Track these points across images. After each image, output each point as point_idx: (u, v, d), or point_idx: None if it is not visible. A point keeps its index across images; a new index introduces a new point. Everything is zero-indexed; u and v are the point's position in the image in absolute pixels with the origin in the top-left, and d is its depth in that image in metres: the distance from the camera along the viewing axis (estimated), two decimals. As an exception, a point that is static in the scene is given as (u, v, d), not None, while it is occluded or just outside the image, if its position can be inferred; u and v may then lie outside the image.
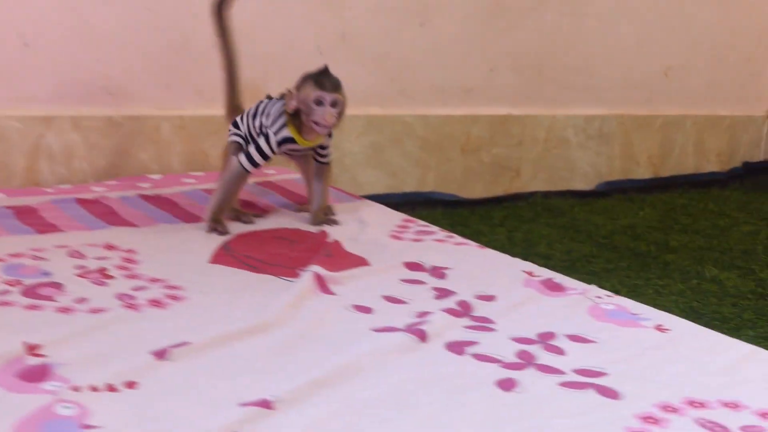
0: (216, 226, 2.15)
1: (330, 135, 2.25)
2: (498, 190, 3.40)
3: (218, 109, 2.55)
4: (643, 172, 3.80)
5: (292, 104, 2.14)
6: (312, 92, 2.11)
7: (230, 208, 2.24)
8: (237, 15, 2.29)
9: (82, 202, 2.30)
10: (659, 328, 1.69)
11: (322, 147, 2.27)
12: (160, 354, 1.43)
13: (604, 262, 2.73)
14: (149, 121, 2.66)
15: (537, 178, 3.49)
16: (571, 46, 3.47)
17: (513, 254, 2.19)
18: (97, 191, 2.42)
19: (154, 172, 2.66)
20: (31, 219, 2.15)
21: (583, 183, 3.62)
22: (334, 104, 2.11)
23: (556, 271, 2.01)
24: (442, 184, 3.25)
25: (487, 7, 3.22)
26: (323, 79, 2.12)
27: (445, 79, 3.21)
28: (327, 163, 2.31)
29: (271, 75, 2.64)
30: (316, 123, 2.12)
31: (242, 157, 2.18)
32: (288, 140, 2.18)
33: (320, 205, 2.31)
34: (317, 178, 2.31)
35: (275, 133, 2.17)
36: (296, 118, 2.16)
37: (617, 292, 1.96)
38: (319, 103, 2.11)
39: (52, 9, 2.50)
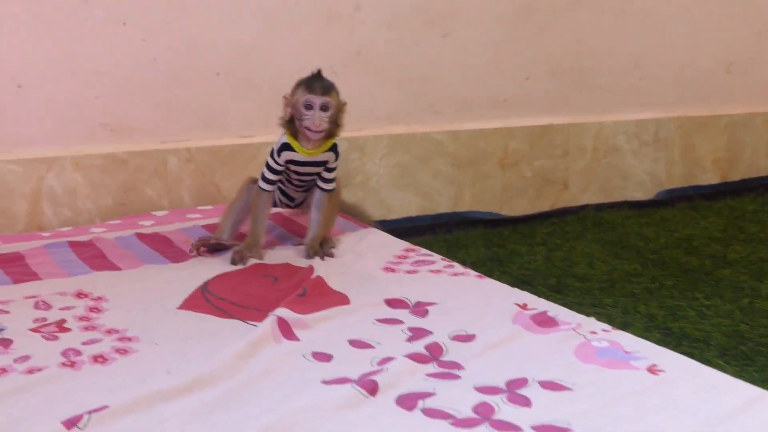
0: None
1: (335, 154, 2.15)
2: (544, 205, 3.19)
3: (227, 139, 2.47)
4: (709, 177, 3.51)
5: (287, 111, 2.10)
6: (302, 96, 2.06)
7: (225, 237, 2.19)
8: (244, 38, 2.19)
9: (75, 245, 2.22)
10: (652, 369, 1.48)
11: (327, 170, 2.17)
12: (72, 422, 1.31)
13: (647, 281, 2.49)
14: (154, 156, 2.56)
15: (588, 190, 3.25)
16: (613, 46, 3.22)
17: (548, 275, 2.01)
18: (94, 232, 2.34)
19: (163, 209, 2.56)
20: (13, 267, 2.07)
21: (640, 192, 3.36)
22: (324, 108, 2.06)
23: (591, 294, 1.82)
24: (480, 202, 3.06)
25: (515, 10, 3.01)
26: (313, 82, 2.08)
27: (474, 91, 3.02)
28: (329, 191, 2.19)
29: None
30: (308, 128, 2.06)
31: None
32: (286, 147, 2.11)
33: (315, 236, 2.18)
34: (316, 206, 2.20)
35: (276, 144, 2.13)
36: (293, 125, 2.11)
37: (654, 317, 1.75)
38: (308, 107, 2.06)
39: (43, 48, 2.43)
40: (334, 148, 2.14)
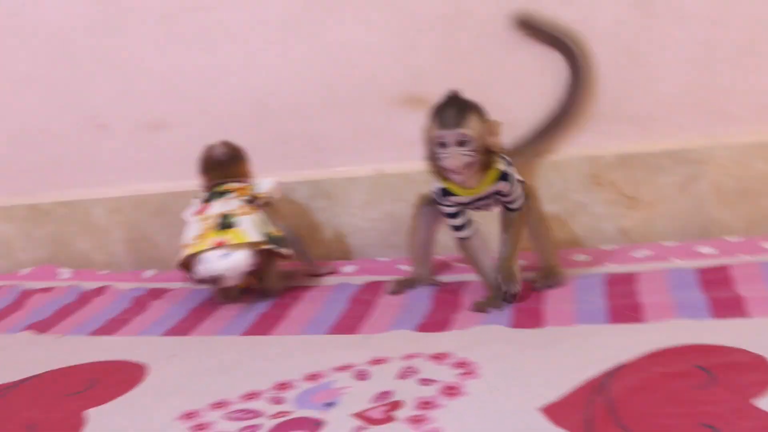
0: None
1: (508, 182, 1.71)
2: None
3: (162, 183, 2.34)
4: None
5: (428, 148, 1.68)
6: (433, 132, 1.64)
7: None
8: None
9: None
10: None
11: (504, 195, 1.73)
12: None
13: None
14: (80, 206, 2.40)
15: None
16: None
17: None
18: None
19: (99, 264, 2.41)
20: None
21: None
22: (461, 143, 1.64)
23: None
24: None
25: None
26: (444, 112, 1.63)
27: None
28: (516, 209, 1.75)
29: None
30: (446, 170, 1.66)
31: None
32: (446, 192, 1.72)
33: (504, 257, 1.75)
34: (503, 226, 1.76)
35: (435, 191, 1.75)
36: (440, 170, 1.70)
37: None
38: (442, 144, 1.65)
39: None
40: (504, 177, 1.70)
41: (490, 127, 1.66)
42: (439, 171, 1.68)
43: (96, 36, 2.26)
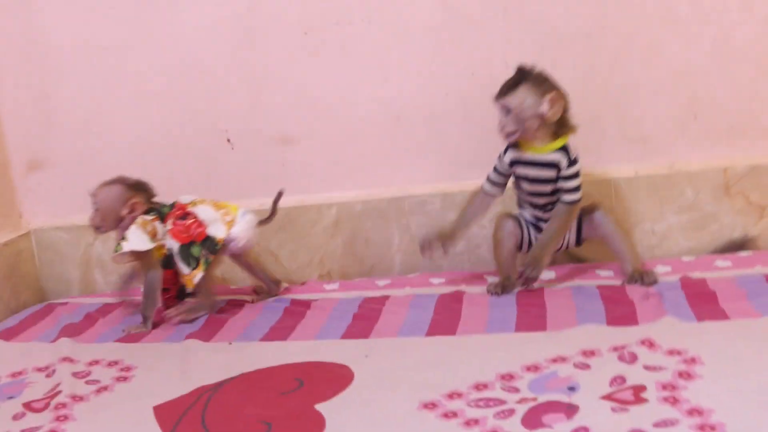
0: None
1: (567, 157, 1.91)
2: None
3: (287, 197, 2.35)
4: None
5: None
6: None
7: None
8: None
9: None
10: None
11: (564, 178, 1.92)
12: None
13: None
14: None
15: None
16: None
17: None
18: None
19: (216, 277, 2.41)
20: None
21: None
22: (506, 111, 1.90)
23: None
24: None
25: None
26: (503, 84, 1.91)
27: None
28: (568, 203, 1.94)
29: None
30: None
31: None
32: (513, 145, 1.95)
33: (539, 243, 1.96)
34: (551, 219, 1.97)
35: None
36: None
37: None
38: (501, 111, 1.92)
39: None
40: (564, 149, 1.92)
41: (552, 99, 1.88)
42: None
43: (231, 49, 2.30)
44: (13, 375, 1.85)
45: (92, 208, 2.06)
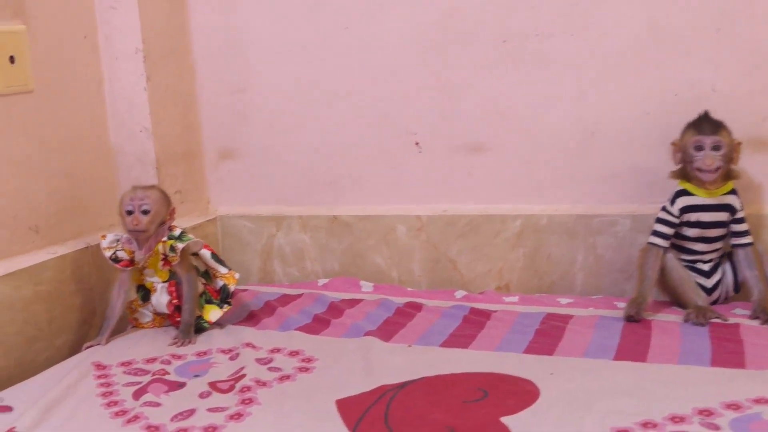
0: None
1: (738, 197, 1.98)
2: None
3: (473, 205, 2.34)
4: None
5: (677, 156, 2.00)
6: (691, 138, 1.96)
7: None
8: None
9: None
10: None
11: (737, 221, 1.99)
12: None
13: None
14: (382, 222, 2.41)
15: None
16: None
17: None
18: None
19: (391, 279, 2.41)
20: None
21: None
22: (715, 147, 1.94)
23: None
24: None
25: None
26: (702, 122, 1.96)
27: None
28: (749, 244, 2.00)
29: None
30: (699, 170, 1.95)
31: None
32: (682, 193, 1.99)
33: (763, 295, 1.96)
34: (746, 265, 2.00)
35: (670, 197, 2.01)
36: (685, 172, 2.00)
37: None
38: (698, 148, 1.95)
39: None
40: (735, 192, 1.99)
41: (734, 144, 1.95)
42: (687, 173, 1.98)
43: (426, 54, 2.30)
44: (199, 354, 1.90)
45: (136, 209, 1.98)
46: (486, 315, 2.06)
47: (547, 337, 1.89)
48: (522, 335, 1.91)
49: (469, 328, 1.99)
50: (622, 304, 2.05)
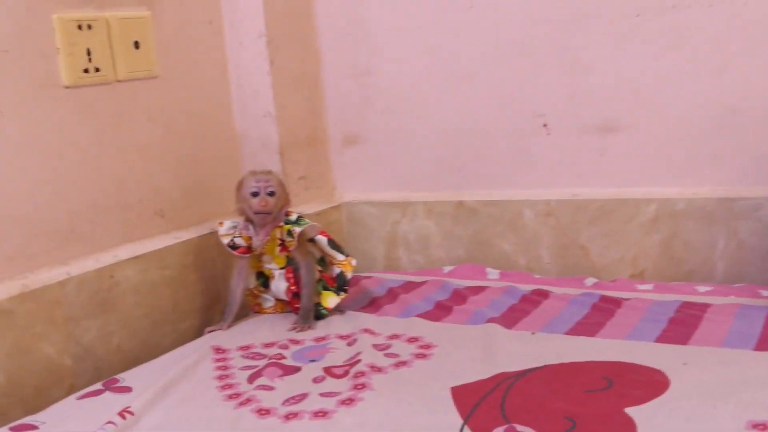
0: None
1: None
2: None
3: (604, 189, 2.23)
4: None
5: None
6: None
7: None
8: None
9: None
10: None
11: None
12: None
13: None
14: (509, 207, 2.32)
15: None
16: None
17: None
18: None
19: (519, 266, 2.33)
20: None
21: None
22: None
23: None
24: None
25: None
26: None
27: None
28: None
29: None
30: None
31: None
32: None
33: None
34: None
35: None
36: None
37: None
38: None
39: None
40: None
41: None
42: None
43: (553, 31, 2.20)
44: (317, 340, 1.87)
45: (262, 191, 1.94)
46: (617, 303, 1.95)
47: (682, 325, 1.77)
48: (654, 323, 1.79)
49: (598, 316, 1.88)
50: (767, 293, 1.90)
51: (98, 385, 1.70)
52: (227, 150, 2.33)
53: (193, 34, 2.21)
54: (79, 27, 1.89)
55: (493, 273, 2.26)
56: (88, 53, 1.91)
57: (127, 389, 1.66)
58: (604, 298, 1.99)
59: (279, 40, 2.32)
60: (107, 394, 1.64)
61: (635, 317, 1.84)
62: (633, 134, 2.17)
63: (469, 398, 1.49)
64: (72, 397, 1.66)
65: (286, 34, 2.35)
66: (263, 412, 1.51)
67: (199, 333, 2.04)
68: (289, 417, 1.48)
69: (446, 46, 2.33)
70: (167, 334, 2.04)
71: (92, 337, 1.88)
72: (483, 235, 2.35)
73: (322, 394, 1.56)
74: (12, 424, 1.54)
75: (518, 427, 1.37)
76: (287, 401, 1.54)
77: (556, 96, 2.23)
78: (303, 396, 1.56)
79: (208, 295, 2.15)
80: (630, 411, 1.39)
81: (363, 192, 2.52)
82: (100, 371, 1.87)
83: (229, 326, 1.99)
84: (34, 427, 1.52)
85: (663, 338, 1.70)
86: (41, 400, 1.73)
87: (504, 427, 1.37)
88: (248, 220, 1.99)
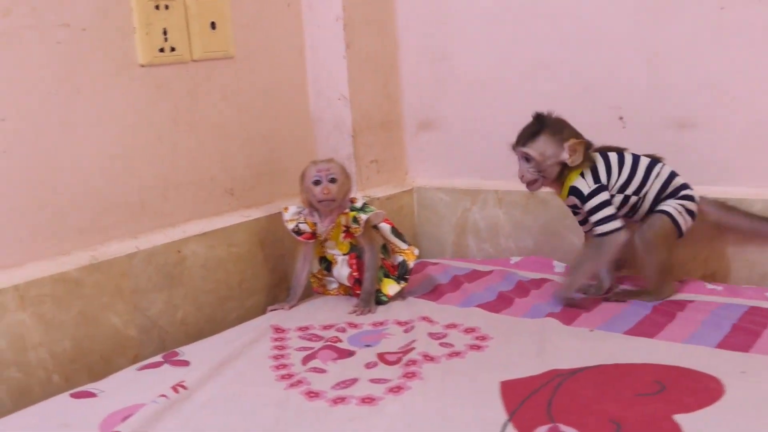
0: None
1: (578, 196, 1.90)
2: None
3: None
4: None
5: None
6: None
7: None
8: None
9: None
10: None
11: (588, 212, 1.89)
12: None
13: None
14: None
15: None
16: None
17: None
18: None
19: None
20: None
21: None
22: (526, 159, 1.90)
23: None
24: None
25: None
26: (521, 132, 1.92)
27: None
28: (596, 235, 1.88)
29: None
30: None
31: None
32: None
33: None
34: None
35: None
36: None
37: None
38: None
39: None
40: (573, 192, 1.90)
41: (571, 147, 1.86)
42: None
43: (634, 22, 2.15)
44: (374, 324, 1.88)
45: (324, 179, 1.95)
46: (680, 305, 1.91)
47: (746, 332, 1.72)
48: (717, 328, 1.75)
49: (660, 316, 1.85)
50: (843, 303, 1.83)
51: (158, 357, 1.74)
52: (300, 132, 2.35)
53: (270, 16, 2.24)
54: (157, 7, 1.93)
55: (559, 266, 2.23)
56: (165, 33, 1.95)
57: (185, 363, 1.71)
58: (668, 300, 1.94)
59: (356, 24, 2.33)
60: (165, 367, 1.69)
61: (697, 320, 1.79)
62: (710, 130, 2.11)
63: (517, 394, 1.48)
64: (133, 368, 1.71)
65: (363, 17, 2.35)
66: (312, 394, 1.53)
67: (263, 311, 2.07)
68: (336, 401, 1.50)
69: (524, 34, 2.30)
70: (232, 309, 2.09)
71: (158, 310, 1.93)
72: (552, 226, 2.33)
73: (372, 380, 1.57)
74: (72, 391, 1.60)
75: (562, 426, 1.35)
76: (337, 385, 1.56)
77: (634, 89, 2.18)
78: (353, 381, 1.58)
79: (274, 273, 2.19)
80: (678, 418, 1.36)
81: (435, 178, 2.51)
82: (165, 343, 1.93)
83: (292, 307, 2.02)
84: (93, 395, 1.57)
85: (724, 344, 1.66)
86: (106, 368, 1.79)
87: (548, 426, 1.36)
88: (313, 208, 2.01)
